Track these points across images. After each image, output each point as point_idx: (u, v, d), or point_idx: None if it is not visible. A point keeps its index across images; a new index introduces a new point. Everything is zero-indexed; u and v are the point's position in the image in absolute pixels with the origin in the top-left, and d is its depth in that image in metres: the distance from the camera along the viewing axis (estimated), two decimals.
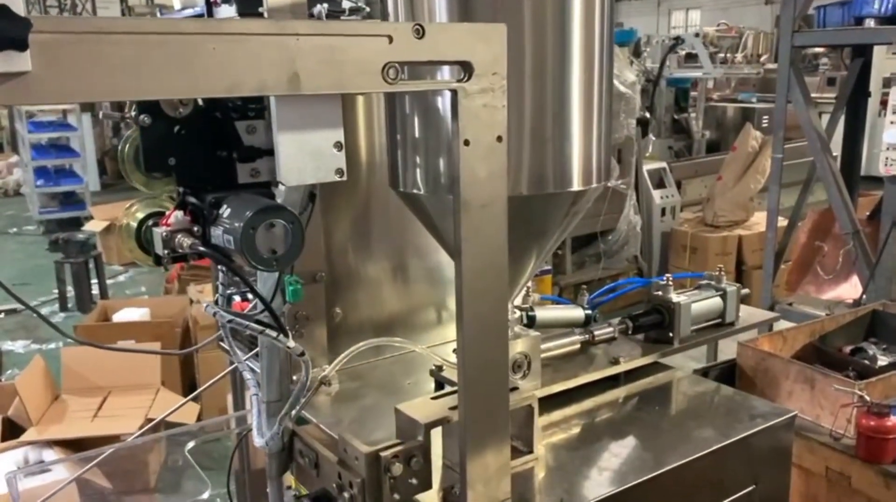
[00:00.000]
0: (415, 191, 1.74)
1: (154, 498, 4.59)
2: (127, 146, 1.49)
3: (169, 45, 1.03)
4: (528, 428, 1.63)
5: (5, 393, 4.76)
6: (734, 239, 7.37)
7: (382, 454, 1.43)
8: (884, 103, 9.47)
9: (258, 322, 1.48)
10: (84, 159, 11.18)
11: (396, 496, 1.45)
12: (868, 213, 4.27)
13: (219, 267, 1.79)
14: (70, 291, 7.67)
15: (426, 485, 1.49)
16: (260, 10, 1.89)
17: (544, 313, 2.07)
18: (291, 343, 1.41)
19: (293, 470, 1.76)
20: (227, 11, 2.11)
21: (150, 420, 4.67)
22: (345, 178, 1.32)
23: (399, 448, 1.45)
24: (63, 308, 7.64)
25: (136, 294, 8.19)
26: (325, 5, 1.96)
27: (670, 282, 2.18)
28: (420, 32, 1.24)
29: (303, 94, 1.16)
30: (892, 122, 3.45)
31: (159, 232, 1.35)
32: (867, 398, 2.62)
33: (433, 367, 2.02)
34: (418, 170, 1.73)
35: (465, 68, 1.31)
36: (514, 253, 1.63)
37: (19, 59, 0.93)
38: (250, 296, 2.13)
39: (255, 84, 1.12)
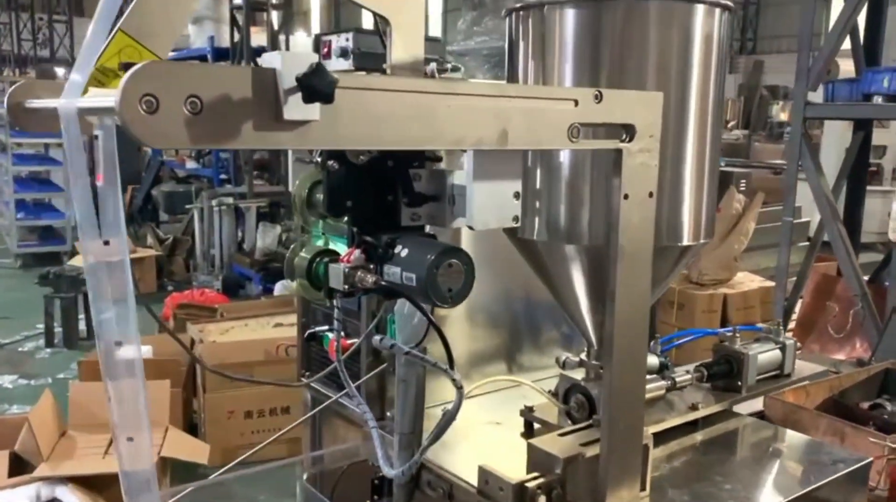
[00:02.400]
0: (533, 237, 1.86)
1: None
2: (304, 189, 1.60)
3: (417, 101, 1.16)
4: (643, 466, 1.74)
5: (8, 428, 4.67)
6: (720, 297, 7.61)
7: (528, 485, 1.52)
8: (871, 173, 9.92)
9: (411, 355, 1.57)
10: (67, 194, 11.06)
11: None
12: (868, 277, 4.52)
13: (336, 305, 1.89)
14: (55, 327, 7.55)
15: None
16: (383, 65, 2.04)
17: None
18: (457, 375, 1.50)
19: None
20: (337, 64, 2.25)
21: (163, 458, 4.63)
22: (518, 225, 1.44)
23: (542, 480, 1.55)
24: (49, 344, 7.50)
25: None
26: (434, 64, 2.11)
27: (737, 334, 2.33)
28: (599, 98, 1.38)
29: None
30: None
31: (341, 268, 1.45)
32: None
33: (524, 407, 2.13)
34: (537, 219, 1.85)
35: (628, 130, 1.45)
36: None
37: (311, 109, 1.04)
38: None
39: (475, 138, 1.24)
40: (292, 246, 1.61)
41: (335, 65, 2.18)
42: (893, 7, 4.88)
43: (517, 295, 2.54)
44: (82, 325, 7.77)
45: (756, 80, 21.66)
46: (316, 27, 41.47)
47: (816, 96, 4.39)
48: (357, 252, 1.47)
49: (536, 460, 1.61)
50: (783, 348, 2.41)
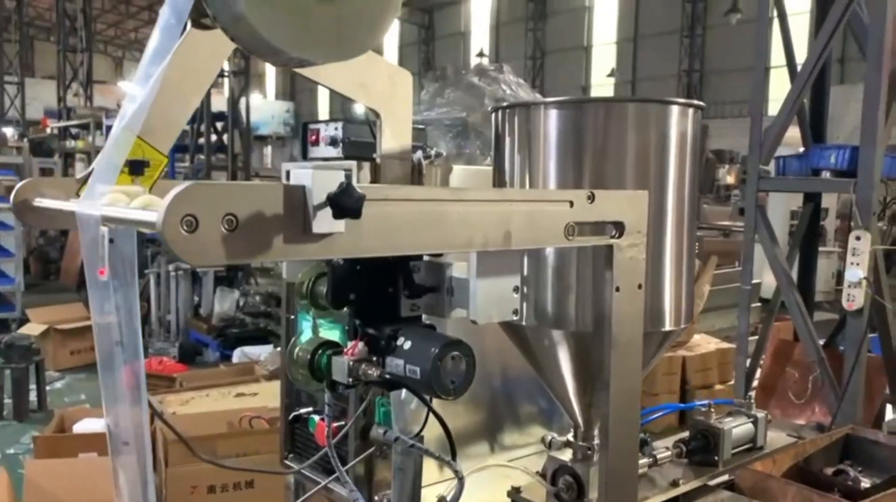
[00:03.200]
0: (522, 323, 1.92)
1: None
2: (308, 279, 1.64)
3: (431, 209, 1.22)
4: None
5: None
6: (678, 359, 7.77)
7: None
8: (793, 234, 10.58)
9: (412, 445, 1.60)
10: (17, 259, 10.84)
11: None
12: (823, 341, 4.69)
13: (329, 394, 1.91)
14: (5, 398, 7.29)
15: None
16: (373, 154, 2.12)
17: None
18: (459, 466, 1.53)
19: None
20: (325, 151, 2.32)
21: None
22: (517, 318, 1.51)
23: None
24: None
25: (76, 402, 7.84)
26: (420, 152, 2.20)
27: (712, 409, 2.41)
28: (591, 198, 1.47)
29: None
30: (851, 264, 3.90)
31: (345, 361, 1.49)
32: None
33: (511, 488, 2.16)
34: (526, 304, 1.92)
35: (618, 227, 1.54)
36: (604, 383, 1.84)
37: (338, 222, 1.10)
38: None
39: (482, 240, 1.31)
40: (293, 338, 1.64)
41: (324, 152, 2.24)
42: (835, 87, 5.21)
43: (494, 372, 2.59)
44: (33, 396, 7.54)
45: (702, 145, 22.42)
46: (271, 89, 41.74)
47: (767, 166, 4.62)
48: (360, 345, 1.51)
49: None
50: (755, 422, 2.49)
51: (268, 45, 1.38)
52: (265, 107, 36.36)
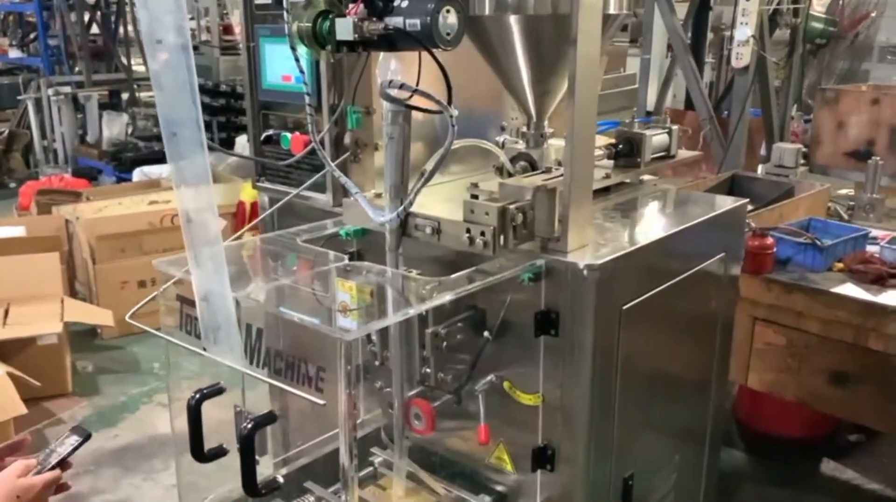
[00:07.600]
0: (485, 13, 2.11)
1: (74, 400, 4.59)
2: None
3: None
4: None
5: None
6: None
7: (509, 207, 1.85)
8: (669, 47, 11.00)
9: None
10: None
11: (515, 240, 1.88)
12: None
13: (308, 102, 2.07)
14: None
15: (531, 236, 1.94)
16: None
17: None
18: (455, 111, 1.76)
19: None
20: None
21: (67, 323, 4.62)
22: None
23: (517, 204, 1.88)
24: None
25: None
26: None
27: (635, 121, 2.75)
28: None
29: None
30: (741, 23, 4.27)
31: (350, 20, 1.65)
32: (753, 225, 3.39)
33: (469, 185, 2.44)
34: None
35: None
36: (555, 70, 2.11)
37: None
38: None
39: None
40: (291, 18, 1.77)
41: None
42: None
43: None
44: None
45: None
46: None
47: None
48: (361, 6, 1.67)
49: (509, 193, 1.93)
50: (670, 132, 2.85)
51: None
52: None
